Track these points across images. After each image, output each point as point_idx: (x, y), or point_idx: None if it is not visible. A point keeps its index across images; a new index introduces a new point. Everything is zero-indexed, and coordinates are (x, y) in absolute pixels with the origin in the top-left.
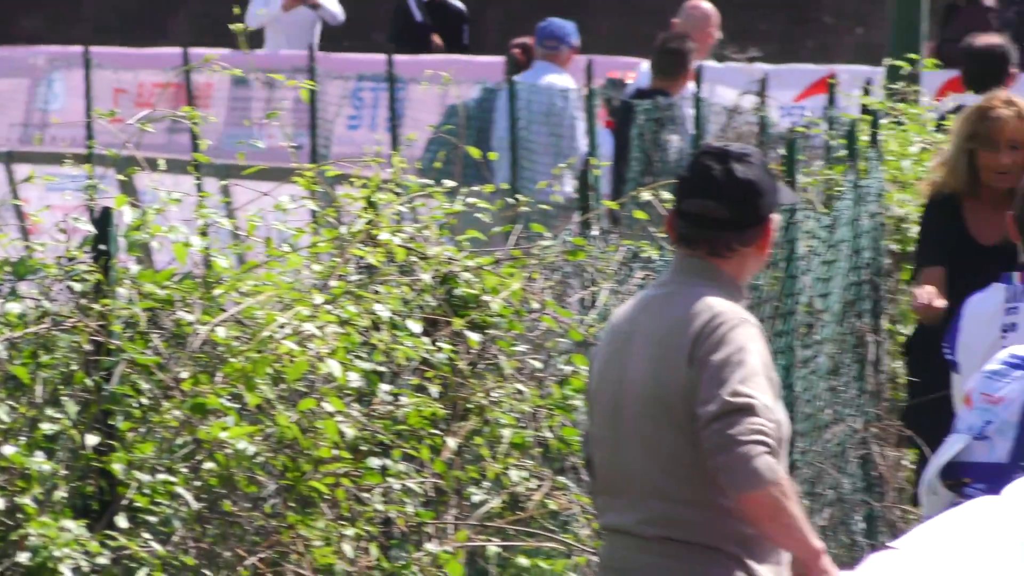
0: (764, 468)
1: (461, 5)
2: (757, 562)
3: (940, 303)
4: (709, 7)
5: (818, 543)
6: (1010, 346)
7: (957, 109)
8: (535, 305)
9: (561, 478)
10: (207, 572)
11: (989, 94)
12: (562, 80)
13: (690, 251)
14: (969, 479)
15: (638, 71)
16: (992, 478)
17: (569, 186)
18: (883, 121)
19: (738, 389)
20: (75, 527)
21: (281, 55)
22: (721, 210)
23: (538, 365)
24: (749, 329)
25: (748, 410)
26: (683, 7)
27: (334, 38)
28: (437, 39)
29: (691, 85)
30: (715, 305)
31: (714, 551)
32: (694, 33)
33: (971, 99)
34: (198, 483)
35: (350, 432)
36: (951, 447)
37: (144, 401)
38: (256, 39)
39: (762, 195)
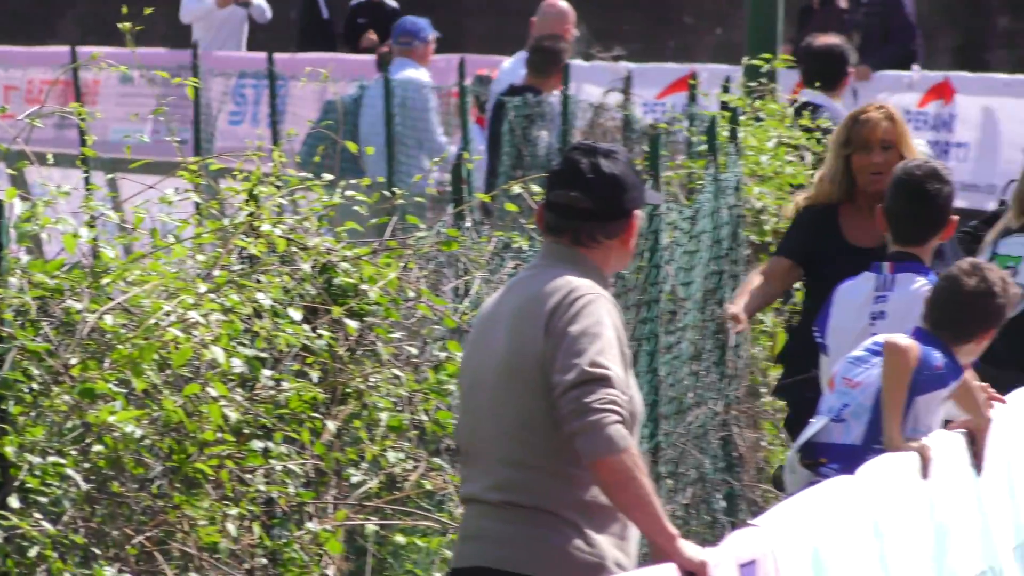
0: (617, 435)
1: (395, 4)
2: (596, 531)
3: (740, 327)
4: (565, 5)
5: (672, 528)
6: (878, 334)
7: (804, 106)
8: (411, 294)
9: (436, 459)
10: (96, 550)
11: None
12: (417, 75)
13: (557, 239)
14: (825, 459)
15: (500, 68)
16: (847, 459)
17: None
18: (742, 117)
19: (595, 360)
20: None
21: (163, 54)
22: (586, 202)
23: (414, 351)
24: (605, 304)
25: (604, 380)
26: (540, 6)
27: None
28: (372, 35)
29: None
30: (573, 281)
31: (553, 516)
32: (551, 30)
33: (808, 95)
34: (87, 465)
35: (233, 416)
36: (811, 428)
37: (35, 386)
38: (185, 35)
39: (626, 190)
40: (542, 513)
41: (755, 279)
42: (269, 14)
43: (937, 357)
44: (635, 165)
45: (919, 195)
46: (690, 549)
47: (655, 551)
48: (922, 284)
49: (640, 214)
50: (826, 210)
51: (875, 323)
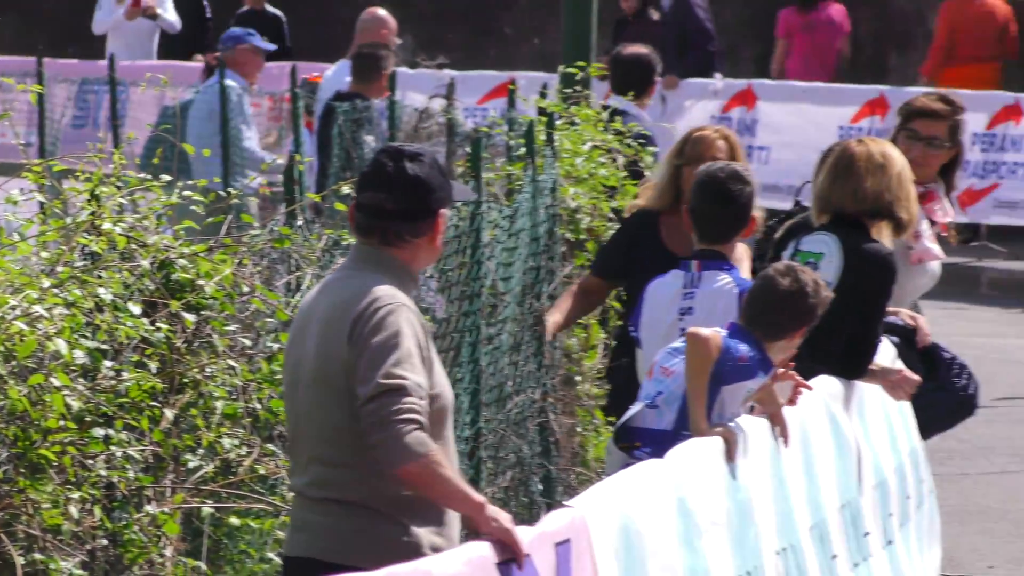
0: (414, 443)
1: (278, 12)
2: (411, 520)
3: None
4: (383, 13)
5: (478, 497)
6: (686, 328)
7: (613, 113)
8: (245, 288)
9: (269, 445)
10: None
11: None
12: (230, 81)
13: (365, 240)
14: (639, 443)
15: (323, 75)
16: (659, 443)
17: (256, 179)
18: (558, 122)
19: (391, 371)
20: None
21: (9, 61)
22: (391, 202)
23: (248, 343)
24: (406, 314)
25: (400, 391)
26: (361, 15)
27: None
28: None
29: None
30: (376, 290)
31: (372, 511)
32: (370, 37)
33: (616, 102)
34: None
35: (76, 404)
36: (628, 413)
37: None
38: (100, 46)
39: (430, 191)
40: (358, 507)
41: (573, 293)
42: (179, 25)
43: (743, 350)
44: (442, 166)
45: (722, 195)
46: (498, 516)
47: (467, 522)
48: (726, 280)
49: (446, 213)
50: (648, 217)
51: (684, 318)
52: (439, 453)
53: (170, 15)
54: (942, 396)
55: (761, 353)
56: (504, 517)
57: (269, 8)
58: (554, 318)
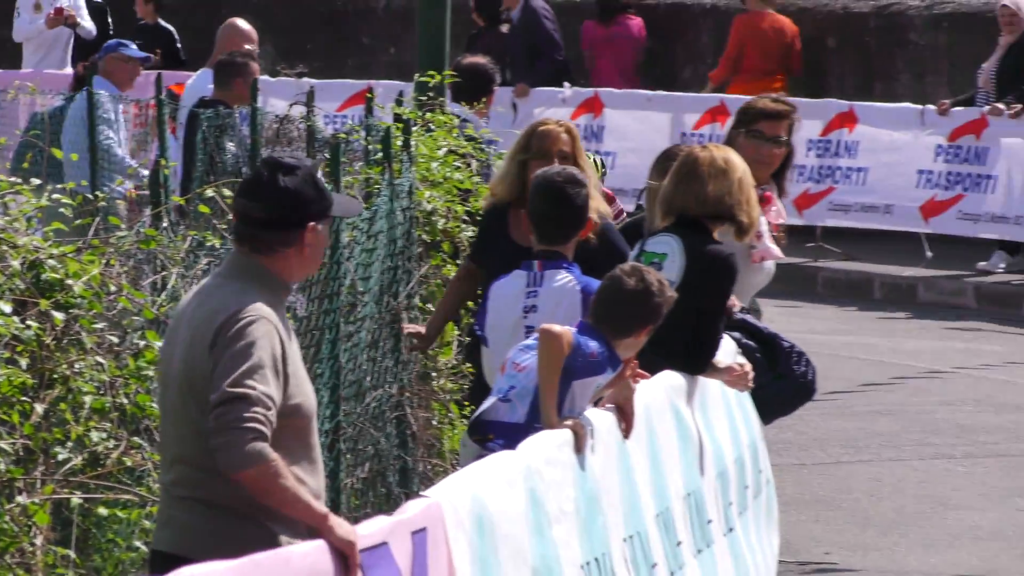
0: (252, 452)
1: (169, 25)
2: (266, 518)
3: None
4: (242, 23)
5: (321, 508)
6: (531, 325)
7: (464, 121)
8: (113, 288)
9: (136, 439)
10: None
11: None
12: (101, 89)
13: (239, 247)
14: (493, 436)
15: (186, 84)
16: (511, 435)
17: (124, 184)
18: (414, 128)
19: (239, 380)
20: None
21: None
22: (259, 211)
23: (115, 340)
24: (266, 327)
25: (245, 399)
26: (221, 25)
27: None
28: (157, 55)
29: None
30: (241, 302)
31: (232, 512)
32: (230, 47)
33: (456, 109)
34: None
35: None
36: (482, 407)
37: None
38: (15, 54)
39: (300, 203)
40: (219, 507)
41: (456, 279)
42: (95, 32)
43: (593, 346)
44: (318, 181)
45: (560, 198)
46: (340, 528)
47: (314, 532)
48: (568, 279)
49: (320, 227)
50: (498, 211)
51: (528, 315)
52: (279, 463)
53: (87, 23)
54: (783, 384)
55: (610, 350)
56: (347, 529)
57: (162, 22)
58: (415, 328)
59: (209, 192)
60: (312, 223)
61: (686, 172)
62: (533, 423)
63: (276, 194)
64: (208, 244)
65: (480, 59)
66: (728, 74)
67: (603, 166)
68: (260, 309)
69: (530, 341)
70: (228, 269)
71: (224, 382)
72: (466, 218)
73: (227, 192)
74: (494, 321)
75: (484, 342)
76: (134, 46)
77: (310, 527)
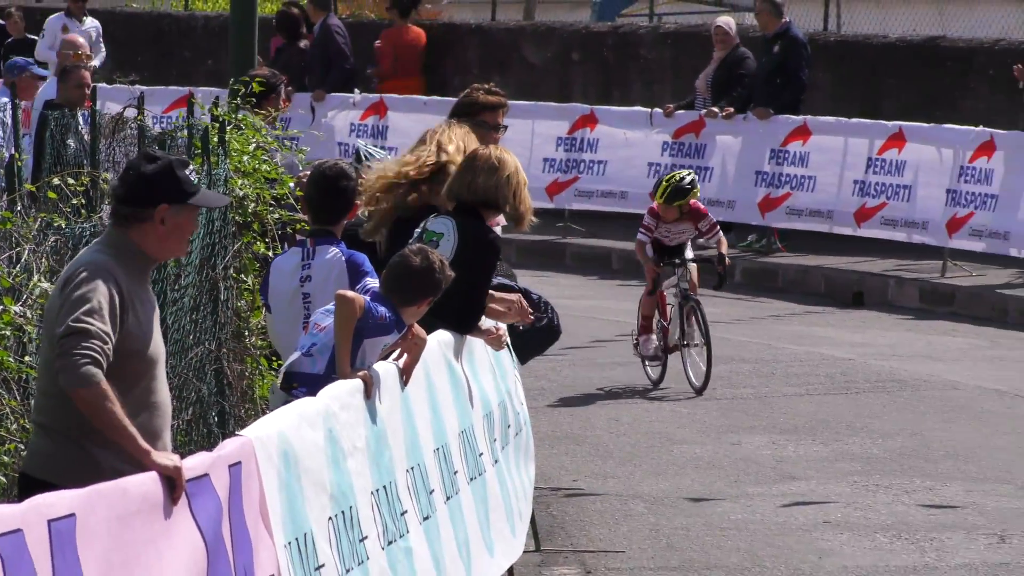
0: (86, 374)
1: (35, 37)
2: (96, 445)
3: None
4: (76, 38)
5: (144, 445)
6: (307, 293)
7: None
8: None
9: None
10: None
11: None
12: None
13: (111, 220)
14: (296, 384)
15: (38, 90)
16: (312, 384)
17: None
18: (228, 127)
19: (80, 317)
20: None
21: None
22: (119, 189)
23: None
24: (104, 278)
25: (84, 333)
26: (61, 39)
27: None
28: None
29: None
30: (87, 259)
31: (63, 434)
32: (70, 60)
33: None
34: None
35: None
36: (288, 361)
37: None
38: None
39: (151, 186)
40: (57, 432)
41: None
42: (99, 65)
43: (383, 311)
44: (176, 173)
45: (332, 188)
46: (163, 459)
47: (137, 464)
48: (336, 252)
49: (173, 210)
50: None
51: (304, 284)
52: (108, 390)
53: (97, 59)
54: (535, 330)
55: (397, 316)
56: (171, 458)
57: (29, 35)
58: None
59: (56, 181)
60: (164, 204)
61: (466, 165)
62: (331, 374)
63: (134, 176)
64: (56, 225)
65: (265, 70)
66: (388, 74)
67: None
68: (103, 263)
69: (330, 306)
70: (100, 238)
71: (67, 318)
72: (272, 203)
73: (71, 180)
74: (275, 290)
75: (268, 309)
76: (36, 65)
77: (135, 459)
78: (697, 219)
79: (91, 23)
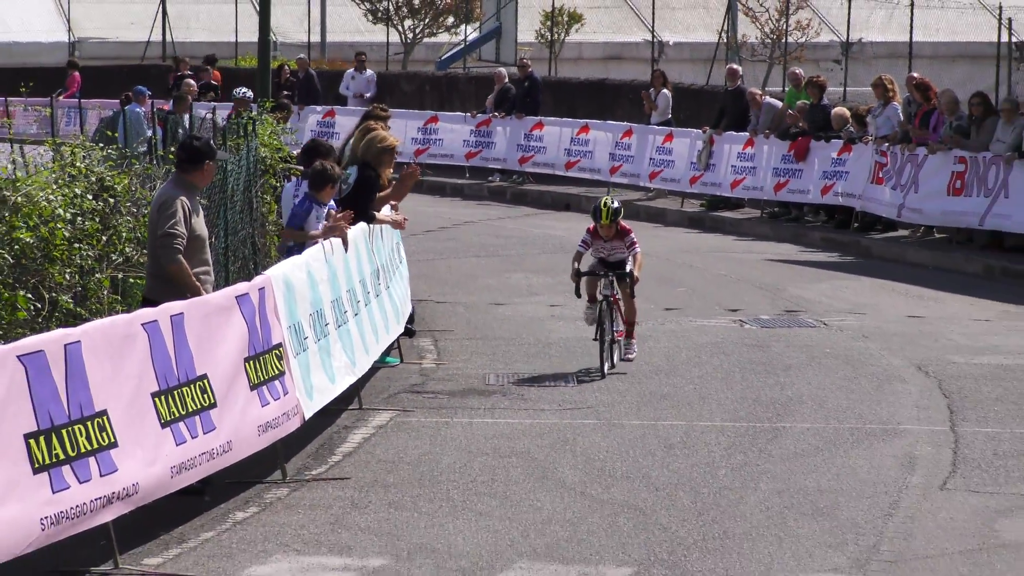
0: (174, 258)
1: None
2: (179, 294)
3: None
4: (191, 82)
5: (200, 291)
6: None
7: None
8: None
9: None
10: None
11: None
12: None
13: (176, 168)
14: (292, 243)
15: None
16: (301, 247)
17: None
18: (256, 123)
19: (169, 222)
20: None
21: None
22: (181, 153)
23: None
24: (179, 201)
25: (171, 235)
26: None
27: None
28: None
29: None
30: (167, 191)
31: (163, 279)
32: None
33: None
34: None
35: None
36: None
37: None
38: None
39: (199, 152)
40: (159, 278)
41: None
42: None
43: (306, 200)
44: (210, 145)
45: (310, 150)
46: (205, 291)
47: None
48: (305, 184)
49: (210, 163)
50: None
51: (295, 199)
52: (185, 264)
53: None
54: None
55: (316, 199)
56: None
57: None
58: None
59: (172, 150)
60: (208, 161)
61: (360, 139)
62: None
63: (188, 146)
64: (165, 169)
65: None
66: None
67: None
68: (175, 192)
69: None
70: (171, 178)
71: (165, 225)
72: (280, 160)
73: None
74: (283, 202)
75: (279, 212)
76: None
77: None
78: (623, 236)
79: (369, 72)
